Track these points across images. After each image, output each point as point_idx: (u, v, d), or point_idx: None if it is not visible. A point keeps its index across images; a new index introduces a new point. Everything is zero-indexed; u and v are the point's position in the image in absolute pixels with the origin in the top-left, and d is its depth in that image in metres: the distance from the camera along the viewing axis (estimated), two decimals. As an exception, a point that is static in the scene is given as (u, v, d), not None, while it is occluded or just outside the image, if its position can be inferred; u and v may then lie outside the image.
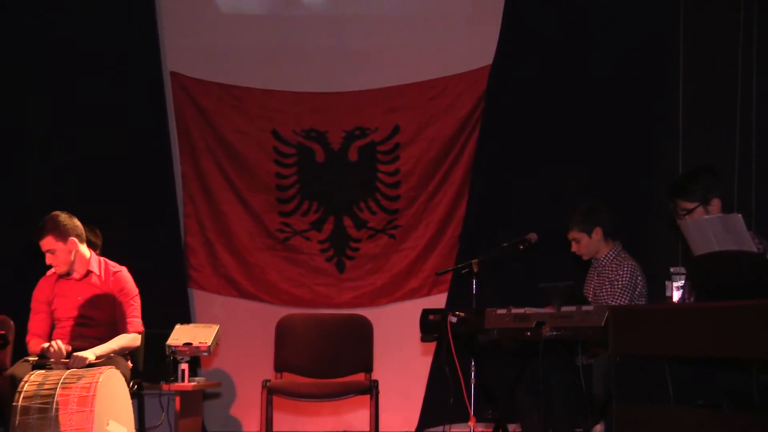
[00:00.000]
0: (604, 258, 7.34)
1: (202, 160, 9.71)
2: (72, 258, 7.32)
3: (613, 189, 8.63)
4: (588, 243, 7.35)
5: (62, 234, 7.25)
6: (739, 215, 5.77)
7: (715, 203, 6.32)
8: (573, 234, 7.39)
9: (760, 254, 5.84)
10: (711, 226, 5.79)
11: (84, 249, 7.37)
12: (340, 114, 9.69)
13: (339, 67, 9.69)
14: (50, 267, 7.41)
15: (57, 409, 6.36)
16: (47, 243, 7.24)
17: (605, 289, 7.22)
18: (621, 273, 7.21)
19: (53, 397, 6.40)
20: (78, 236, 7.33)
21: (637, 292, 7.17)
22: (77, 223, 7.34)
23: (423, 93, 9.61)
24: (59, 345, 7.06)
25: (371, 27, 9.68)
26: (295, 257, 9.67)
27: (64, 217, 7.30)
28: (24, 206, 8.80)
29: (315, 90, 9.69)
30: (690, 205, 6.33)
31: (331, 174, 9.70)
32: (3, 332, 7.05)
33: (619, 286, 7.18)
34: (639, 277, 7.21)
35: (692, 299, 6.04)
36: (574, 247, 7.43)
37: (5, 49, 9.27)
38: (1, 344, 6.95)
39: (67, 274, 7.38)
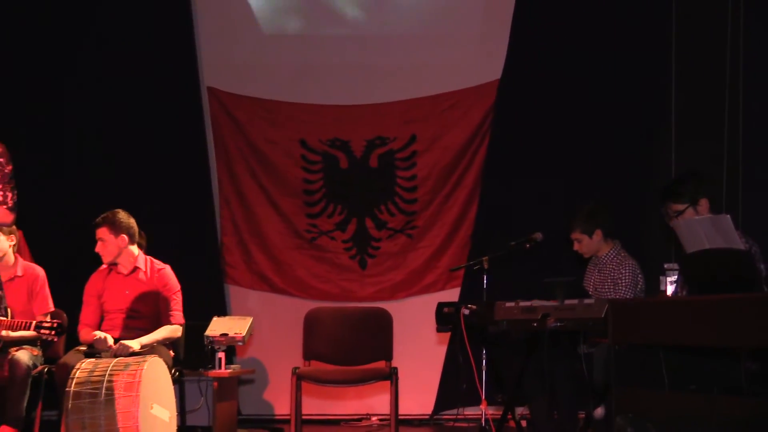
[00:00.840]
0: (605, 256, 7.31)
1: (236, 166, 9.71)
2: (118, 252, 7.35)
3: (610, 192, 8.60)
4: (588, 243, 7.33)
5: (116, 229, 7.30)
6: (728, 216, 5.77)
7: (703, 203, 6.32)
8: (575, 235, 7.36)
9: (747, 251, 5.84)
10: (702, 226, 5.78)
11: (133, 248, 7.40)
12: (362, 124, 9.67)
13: (361, 82, 9.67)
14: (100, 263, 7.45)
15: (106, 394, 6.38)
16: (101, 232, 7.31)
17: (607, 286, 7.20)
18: (623, 272, 7.19)
19: (102, 383, 6.42)
20: (130, 235, 7.36)
21: (638, 289, 7.15)
22: (133, 223, 7.38)
23: (437, 105, 9.59)
24: (105, 336, 7.09)
25: (391, 45, 9.66)
26: (322, 255, 9.66)
27: (122, 215, 7.35)
28: (76, 209, 8.81)
29: (339, 102, 9.67)
30: (680, 207, 6.34)
31: (354, 179, 9.68)
32: (60, 321, 7.07)
33: (623, 285, 7.15)
34: (639, 275, 7.19)
35: (685, 293, 6.03)
36: (576, 246, 7.40)
37: (64, 62, 9.31)
38: (59, 332, 6.95)
39: (113, 266, 7.41)
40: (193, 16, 9.56)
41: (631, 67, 9.01)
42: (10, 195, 5.39)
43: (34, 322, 6.94)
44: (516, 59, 9.23)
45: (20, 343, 7.19)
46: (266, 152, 9.69)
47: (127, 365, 6.53)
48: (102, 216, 7.34)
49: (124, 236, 7.32)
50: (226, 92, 9.70)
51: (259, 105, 9.71)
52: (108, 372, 6.46)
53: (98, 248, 7.34)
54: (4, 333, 7.02)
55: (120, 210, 7.38)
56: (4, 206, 5.38)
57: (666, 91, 8.86)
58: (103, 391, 6.38)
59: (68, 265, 7.93)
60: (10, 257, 7.46)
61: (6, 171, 5.41)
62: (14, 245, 7.53)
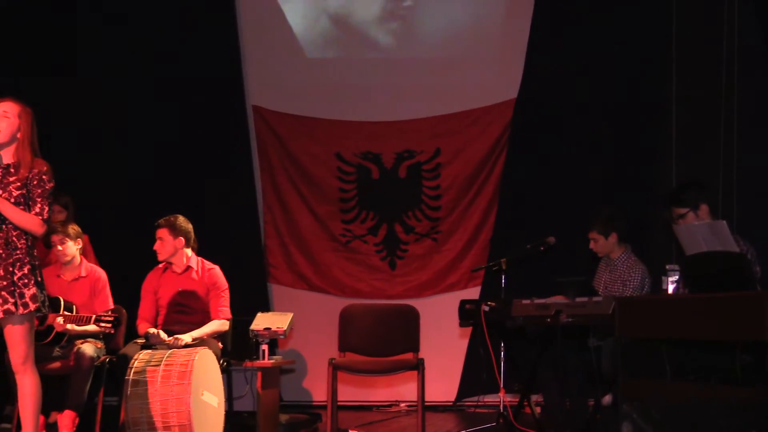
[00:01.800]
0: (617, 259, 7.29)
1: (278, 177, 9.74)
2: (174, 251, 7.36)
3: (617, 199, 8.56)
4: (604, 244, 7.31)
5: (174, 231, 7.33)
6: (724, 221, 5.77)
7: (704, 209, 6.32)
8: (592, 234, 7.35)
9: (742, 254, 5.81)
10: (700, 231, 5.76)
11: (187, 250, 7.41)
12: (392, 139, 9.67)
13: (391, 101, 9.67)
14: (157, 263, 7.48)
15: (162, 382, 6.40)
16: (161, 233, 7.34)
17: (617, 286, 7.18)
18: (634, 275, 7.17)
19: (158, 373, 6.43)
20: (186, 239, 7.38)
21: (644, 291, 7.13)
22: (190, 228, 7.40)
23: (460, 122, 9.58)
24: (159, 331, 7.11)
25: (418, 68, 9.64)
26: (355, 257, 9.67)
27: (182, 219, 7.38)
28: (136, 216, 8.82)
29: (371, 119, 9.68)
30: (682, 211, 6.33)
31: (385, 188, 9.68)
32: (117, 315, 7.08)
33: (632, 286, 7.14)
34: (647, 279, 7.17)
35: (685, 291, 6.01)
36: (592, 245, 7.39)
37: (129, 84, 9.39)
38: (115, 324, 6.96)
39: (168, 265, 7.44)
40: (240, 42, 9.61)
41: (635, 87, 8.98)
42: (46, 209, 5.46)
43: (94, 316, 6.96)
44: (530, 80, 9.21)
45: (85, 336, 7.22)
46: (305, 164, 9.71)
47: (180, 356, 6.55)
48: (164, 218, 7.36)
49: (182, 239, 7.35)
50: (269, 110, 9.74)
51: (299, 122, 9.73)
52: (163, 362, 6.48)
53: (156, 246, 7.37)
54: (69, 326, 7.05)
55: (180, 215, 7.41)
56: (40, 218, 5.44)
57: (667, 109, 8.82)
58: (159, 380, 6.40)
59: (129, 265, 7.95)
60: (77, 259, 7.51)
61: (47, 188, 5.47)
62: (80, 248, 7.57)
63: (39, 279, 5.48)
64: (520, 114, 9.29)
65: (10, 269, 5.38)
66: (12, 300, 5.35)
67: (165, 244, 7.35)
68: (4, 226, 5.40)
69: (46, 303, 5.58)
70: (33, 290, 5.42)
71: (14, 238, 5.42)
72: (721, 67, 8.15)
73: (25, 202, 5.44)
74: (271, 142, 9.74)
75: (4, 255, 5.39)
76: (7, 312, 5.35)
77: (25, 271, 5.42)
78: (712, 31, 8.21)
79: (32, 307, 5.40)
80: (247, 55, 9.70)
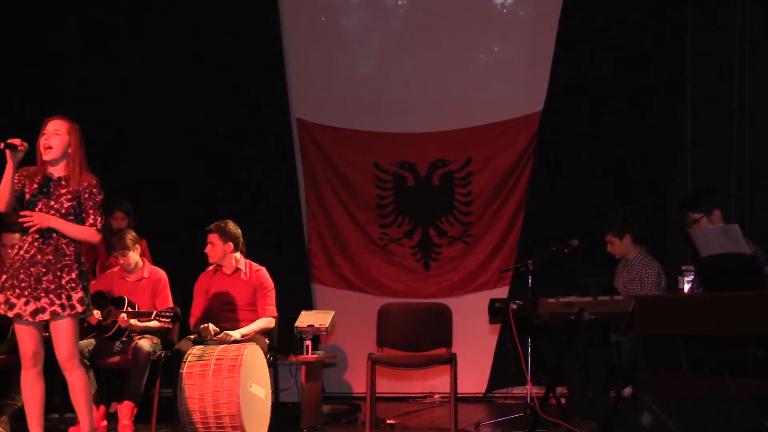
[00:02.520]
0: (634, 259, 7.25)
1: (320, 184, 9.76)
2: (223, 255, 7.40)
3: (637, 205, 8.54)
4: (619, 245, 7.28)
5: (225, 236, 7.37)
6: (737, 225, 5.74)
7: (717, 214, 6.29)
8: (608, 237, 7.32)
9: (753, 255, 5.77)
10: (714, 234, 5.74)
11: (236, 253, 7.45)
12: (426, 149, 9.67)
13: (425, 113, 9.66)
14: (207, 266, 7.52)
15: (213, 375, 6.44)
16: (213, 237, 7.38)
17: (635, 284, 7.14)
18: (650, 273, 7.13)
19: (210, 366, 6.48)
20: (235, 243, 7.42)
21: (661, 287, 7.09)
22: (239, 233, 7.43)
23: (489, 133, 9.57)
24: (209, 324, 7.15)
25: (450, 82, 9.65)
26: (392, 259, 9.67)
27: (232, 225, 7.42)
28: (191, 222, 8.88)
29: (407, 131, 9.68)
30: (697, 216, 6.31)
31: (419, 195, 9.67)
32: (175, 310, 7.11)
33: (649, 283, 7.09)
34: (662, 276, 7.12)
35: (700, 290, 5.99)
36: (609, 248, 7.36)
37: (185, 104, 9.46)
38: (174, 319, 7.00)
39: (219, 267, 7.47)
40: (284, 60, 9.64)
41: (652, 100, 8.97)
42: (99, 219, 5.54)
43: (154, 312, 7.01)
44: (555, 94, 9.20)
45: (144, 333, 7.27)
46: (345, 173, 9.73)
47: (230, 351, 6.58)
48: (215, 224, 7.40)
49: (231, 243, 7.38)
50: (312, 123, 9.76)
51: (339, 133, 9.75)
52: (214, 357, 6.52)
53: (207, 249, 7.41)
54: (132, 321, 7.10)
55: (230, 221, 7.44)
56: (94, 228, 5.52)
57: (683, 120, 8.81)
58: (210, 373, 6.44)
59: (183, 268, 7.99)
60: (139, 264, 7.55)
61: (97, 199, 5.54)
62: (139, 252, 7.63)
63: (86, 283, 5.54)
64: (546, 126, 9.27)
65: (59, 274, 5.44)
66: (59, 302, 5.42)
67: (215, 248, 7.39)
68: (54, 234, 5.47)
69: (91, 306, 5.65)
70: (80, 294, 5.48)
71: (63, 246, 5.49)
72: (733, 85, 8.13)
73: (74, 213, 5.51)
74: (313, 152, 9.76)
75: (53, 260, 5.45)
76: (54, 313, 5.42)
77: (73, 275, 5.48)
78: (726, 45, 8.19)
79: (79, 309, 5.47)
80: (291, 71, 9.73)
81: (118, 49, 9.43)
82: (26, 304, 5.41)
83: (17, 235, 7.56)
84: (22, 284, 5.42)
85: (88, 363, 6.90)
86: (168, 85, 9.42)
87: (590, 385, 6.67)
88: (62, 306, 5.42)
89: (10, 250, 7.53)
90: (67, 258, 5.48)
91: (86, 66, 9.32)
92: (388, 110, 9.73)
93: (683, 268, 6.06)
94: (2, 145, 5.35)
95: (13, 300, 5.43)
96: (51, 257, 5.45)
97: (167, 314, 6.94)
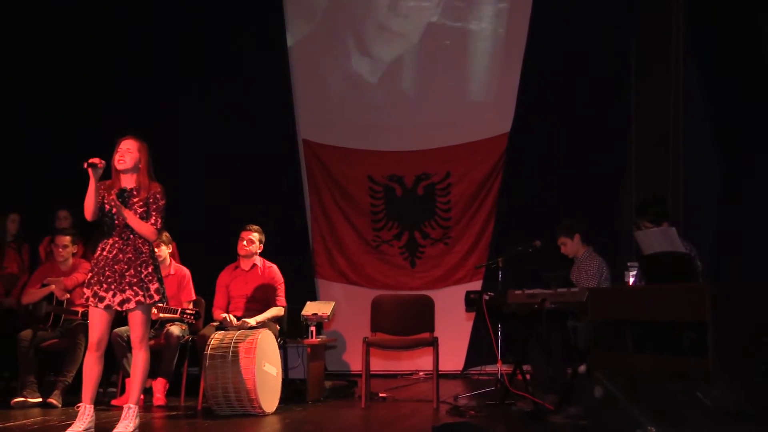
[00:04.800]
0: (582, 256, 7.28)
1: (322, 194, 9.77)
2: (255, 251, 7.46)
3: (592, 212, 8.53)
4: (571, 245, 7.28)
5: (260, 236, 7.48)
6: (674, 228, 5.80)
7: (664, 225, 6.32)
8: (561, 239, 7.34)
9: (687, 254, 5.83)
10: (654, 235, 5.79)
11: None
12: (412, 164, 9.68)
13: (411, 134, 9.69)
14: (228, 262, 7.54)
15: (233, 356, 6.45)
16: (251, 235, 7.46)
17: (582, 276, 7.18)
18: (591, 265, 7.15)
19: (230, 349, 6.48)
20: (262, 244, 7.49)
21: (603, 278, 7.10)
22: (263, 238, 7.53)
23: (465, 151, 9.58)
24: (230, 316, 7.17)
25: (432, 107, 9.69)
26: (383, 258, 9.68)
27: (259, 228, 7.48)
28: (212, 228, 8.90)
29: (395, 149, 9.70)
30: (648, 223, 6.39)
31: (406, 204, 9.68)
32: (197, 309, 7.15)
33: (590, 274, 7.11)
34: (604, 268, 7.13)
35: (642, 283, 6.03)
36: (562, 249, 7.37)
37: (210, 126, 9.51)
38: (195, 316, 7.03)
39: (237, 264, 7.51)
40: (292, 88, 9.67)
41: (604, 125, 8.99)
42: (159, 220, 5.55)
43: (179, 309, 7.01)
44: (521, 118, 9.23)
45: (173, 320, 7.30)
46: (344, 185, 9.75)
47: (246, 336, 6.58)
48: (252, 225, 7.50)
49: (261, 243, 7.50)
50: (315, 142, 9.78)
51: (338, 151, 9.77)
52: (233, 341, 6.53)
53: (245, 244, 7.47)
54: (161, 315, 7.10)
55: (259, 227, 7.54)
56: (153, 227, 5.54)
57: (629, 142, 8.89)
58: (230, 354, 6.45)
59: (208, 266, 7.99)
60: (167, 260, 7.57)
61: (160, 204, 5.57)
62: (170, 252, 7.65)
63: (160, 275, 5.60)
64: (513, 145, 9.30)
65: (139, 269, 5.49)
66: (141, 293, 5.47)
67: (253, 244, 7.46)
68: (132, 236, 5.52)
69: (166, 295, 5.70)
70: (156, 285, 5.53)
71: (140, 245, 5.53)
72: (669, 112, 8.25)
73: (146, 218, 5.55)
74: (317, 167, 9.79)
75: (133, 258, 5.50)
76: (138, 303, 5.46)
77: (150, 270, 5.53)
78: (663, 80, 8.31)
79: (156, 298, 5.53)
80: (298, 97, 9.76)
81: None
82: (114, 296, 5.45)
83: (68, 237, 7.62)
84: (108, 279, 5.46)
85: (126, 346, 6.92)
86: (191, 114, 9.51)
87: (551, 363, 6.67)
88: (144, 296, 5.47)
89: (61, 250, 7.60)
90: (143, 255, 5.52)
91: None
92: (379, 131, 9.75)
93: (629, 264, 6.09)
94: (85, 165, 5.39)
95: (102, 293, 5.45)
96: (131, 255, 5.49)
97: (191, 312, 6.99)
